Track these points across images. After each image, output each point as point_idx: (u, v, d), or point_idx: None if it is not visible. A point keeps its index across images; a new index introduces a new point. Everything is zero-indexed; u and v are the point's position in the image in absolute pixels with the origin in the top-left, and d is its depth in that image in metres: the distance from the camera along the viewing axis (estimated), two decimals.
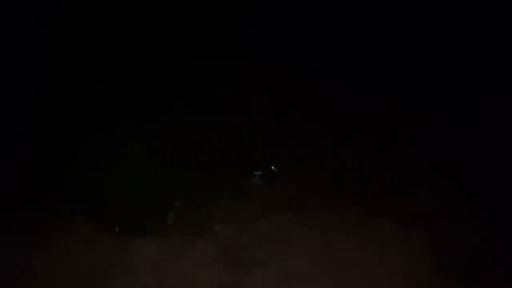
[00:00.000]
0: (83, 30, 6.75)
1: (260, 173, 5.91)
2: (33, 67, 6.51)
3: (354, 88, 6.40)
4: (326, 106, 6.37)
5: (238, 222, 5.48)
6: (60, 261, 5.08)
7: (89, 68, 6.59)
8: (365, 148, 6.06)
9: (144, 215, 5.49)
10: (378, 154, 5.99)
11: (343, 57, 6.56)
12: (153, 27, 6.81)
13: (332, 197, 5.69)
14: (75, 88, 6.39)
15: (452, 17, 6.51)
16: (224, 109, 6.36)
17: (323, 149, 6.06)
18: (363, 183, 5.82)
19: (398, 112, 6.26)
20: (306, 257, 5.18)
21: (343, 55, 6.57)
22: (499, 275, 4.95)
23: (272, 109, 6.39)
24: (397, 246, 5.23)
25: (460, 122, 6.10)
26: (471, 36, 6.43)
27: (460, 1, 6.47)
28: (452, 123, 6.11)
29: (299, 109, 6.37)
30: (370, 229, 5.38)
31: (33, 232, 5.27)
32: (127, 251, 5.18)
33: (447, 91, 6.33)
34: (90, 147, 5.96)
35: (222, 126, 6.25)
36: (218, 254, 5.20)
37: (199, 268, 5.11)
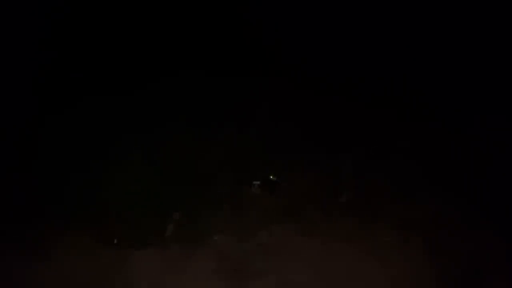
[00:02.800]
0: (83, 44, 6.80)
1: (258, 182, 5.92)
2: (33, 81, 6.54)
3: (352, 98, 6.43)
4: (324, 116, 6.39)
5: (237, 232, 5.47)
6: (60, 274, 5.08)
7: (87, 82, 6.62)
8: (363, 157, 6.06)
9: (143, 227, 5.48)
10: (376, 163, 6.00)
11: (341, 67, 6.60)
12: (152, 41, 6.86)
13: (331, 206, 5.69)
14: (74, 102, 6.42)
15: (446, 32, 6.58)
16: (222, 120, 6.37)
17: (321, 159, 6.07)
18: (362, 192, 5.82)
19: (396, 121, 6.28)
20: (306, 266, 5.18)
21: (341, 65, 6.61)
22: (498, 282, 4.96)
23: (271, 119, 6.41)
24: (396, 254, 5.23)
25: (457, 131, 6.12)
26: (465, 48, 6.49)
27: (452, 18, 6.54)
28: (450, 132, 6.13)
29: (297, 119, 6.39)
30: (368, 238, 5.38)
31: (33, 245, 5.27)
32: (126, 263, 5.18)
33: (446, 99, 6.37)
34: (89, 160, 5.98)
35: (220, 136, 6.26)
36: (217, 265, 5.20)
37: (198, 279, 5.10)
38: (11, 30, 6.55)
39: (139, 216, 5.55)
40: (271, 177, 5.96)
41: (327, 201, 5.72)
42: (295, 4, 6.81)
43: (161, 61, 6.75)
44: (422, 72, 6.49)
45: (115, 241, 5.40)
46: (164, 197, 5.72)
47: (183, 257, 5.24)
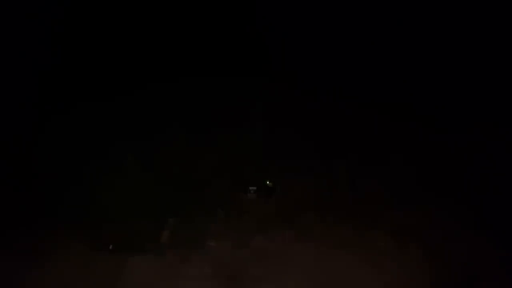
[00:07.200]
0: (78, 51, 6.78)
1: (255, 188, 5.92)
2: (27, 88, 6.51)
3: (348, 104, 6.45)
4: (319, 121, 6.42)
5: (233, 238, 5.46)
6: (55, 281, 5.04)
7: (82, 88, 6.61)
8: (359, 163, 6.08)
9: (138, 233, 5.46)
10: (372, 169, 6.02)
11: (337, 73, 6.62)
12: (147, 47, 6.86)
13: (326, 212, 5.69)
14: (69, 109, 6.41)
15: (445, 37, 6.61)
16: (217, 126, 6.38)
17: (317, 164, 6.09)
18: (357, 198, 5.83)
19: (392, 127, 6.31)
20: (301, 272, 5.16)
21: (337, 71, 6.63)
22: None
23: (266, 124, 6.42)
24: (392, 261, 5.23)
25: (453, 137, 6.15)
26: (460, 54, 6.53)
27: (453, 23, 6.57)
28: (446, 138, 6.17)
29: (293, 124, 6.41)
30: (364, 244, 5.38)
31: (28, 252, 5.23)
32: (122, 269, 5.15)
33: (442, 105, 6.39)
34: (84, 166, 5.95)
35: (215, 142, 6.26)
36: (213, 271, 5.17)
37: (194, 285, 5.07)
38: (5, 34, 6.53)
39: (135, 222, 5.53)
40: (268, 182, 5.97)
41: (322, 207, 5.73)
42: (294, 11, 6.83)
43: (156, 66, 6.75)
44: (419, 80, 6.53)
45: (111, 247, 5.38)
46: (159, 203, 5.70)
47: (178, 263, 5.22)
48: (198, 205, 5.73)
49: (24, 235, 5.39)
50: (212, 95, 6.62)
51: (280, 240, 5.46)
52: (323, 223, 5.59)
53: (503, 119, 6.12)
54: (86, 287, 5.01)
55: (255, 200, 5.89)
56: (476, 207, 5.54)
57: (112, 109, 6.43)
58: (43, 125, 6.28)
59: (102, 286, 5.02)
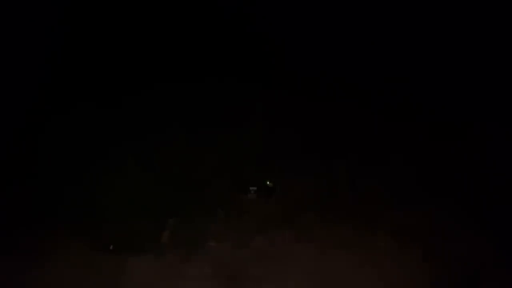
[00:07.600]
0: (78, 51, 6.78)
1: (255, 188, 5.92)
2: (28, 88, 6.50)
3: (348, 103, 6.45)
4: (319, 121, 6.42)
5: (233, 238, 5.46)
6: (56, 281, 5.04)
7: (82, 89, 6.60)
8: (359, 163, 6.08)
9: (138, 233, 5.46)
10: (372, 169, 6.02)
11: (337, 73, 6.62)
12: (148, 47, 6.86)
13: (326, 212, 5.69)
14: (69, 109, 6.40)
15: (446, 37, 6.62)
16: (217, 126, 6.37)
17: (317, 164, 6.08)
18: (358, 198, 5.83)
19: (392, 127, 6.31)
20: (301, 272, 5.16)
21: (337, 71, 6.63)
22: None
23: (266, 124, 6.42)
24: (392, 261, 5.23)
25: (454, 137, 6.15)
26: (460, 53, 6.53)
27: (454, 25, 6.57)
28: (446, 138, 6.16)
29: (293, 124, 6.40)
30: (365, 244, 5.38)
31: (28, 253, 5.23)
32: (122, 269, 5.15)
33: (443, 105, 6.39)
34: (84, 167, 5.95)
35: (215, 142, 6.26)
36: (213, 271, 5.18)
37: (194, 285, 5.08)
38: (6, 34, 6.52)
39: (135, 222, 5.53)
40: (268, 182, 5.97)
41: (323, 207, 5.72)
42: (295, 11, 6.83)
43: (156, 66, 6.75)
44: (419, 80, 6.53)
45: (111, 247, 5.38)
46: (159, 203, 5.70)
47: (178, 263, 5.22)
48: (198, 205, 5.73)
49: (24, 235, 5.38)
50: (212, 96, 6.61)
51: (280, 240, 5.46)
52: (323, 223, 5.59)
53: (503, 119, 6.13)
54: (86, 287, 5.01)
55: (255, 200, 5.89)
56: (476, 207, 5.54)
57: (112, 109, 6.42)
58: (43, 125, 6.27)
59: (102, 286, 5.03)
